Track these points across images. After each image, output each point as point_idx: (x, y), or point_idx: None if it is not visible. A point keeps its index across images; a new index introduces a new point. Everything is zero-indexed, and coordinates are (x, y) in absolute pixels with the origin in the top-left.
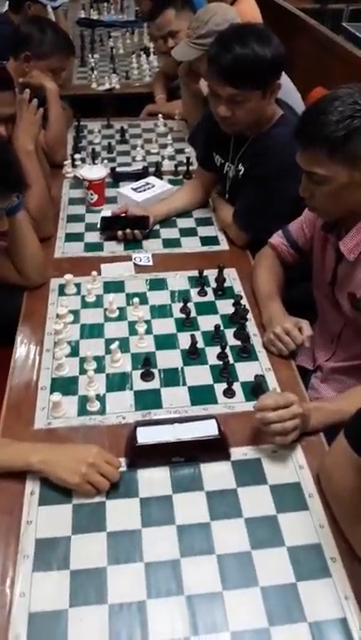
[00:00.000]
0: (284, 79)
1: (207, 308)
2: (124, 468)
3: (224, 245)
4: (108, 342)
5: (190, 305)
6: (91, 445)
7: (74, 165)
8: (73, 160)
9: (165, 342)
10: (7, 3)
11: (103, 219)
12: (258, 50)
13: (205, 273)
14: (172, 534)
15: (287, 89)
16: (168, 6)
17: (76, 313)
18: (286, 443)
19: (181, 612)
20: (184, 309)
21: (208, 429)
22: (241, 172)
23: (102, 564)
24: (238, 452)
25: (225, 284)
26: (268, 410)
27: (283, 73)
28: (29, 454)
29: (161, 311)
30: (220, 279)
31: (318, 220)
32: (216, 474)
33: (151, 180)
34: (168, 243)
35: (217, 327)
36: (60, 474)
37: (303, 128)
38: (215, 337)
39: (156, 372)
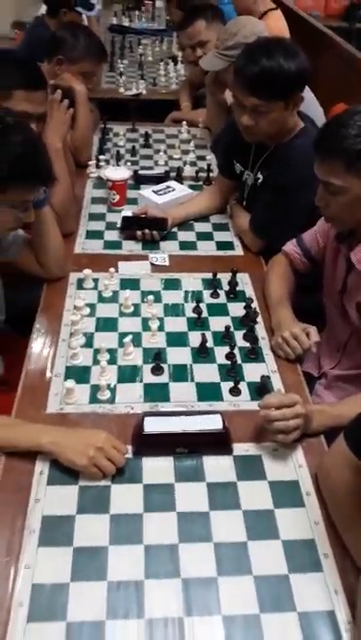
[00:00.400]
0: (308, 93)
1: (219, 310)
2: (129, 455)
3: (239, 251)
4: (122, 336)
5: (202, 305)
6: (99, 430)
7: (98, 166)
8: (97, 161)
9: (176, 339)
10: (45, 7)
11: (124, 218)
12: (283, 63)
13: (219, 276)
14: (172, 520)
15: (310, 102)
16: (199, 17)
17: (92, 306)
18: (288, 441)
19: (177, 594)
20: (196, 309)
21: (213, 423)
22: (260, 181)
23: (104, 543)
24: (241, 448)
25: (237, 288)
26: (271, 408)
27: (306, 87)
28: (41, 435)
29: (174, 310)
30: (233, 282)
31: (332, 230)
32: (218, 467)
33: (172, 183)
34: (184, 245)
35: (227, 328)
36: (69, 455)
37: (322, 140)
38: (225, 337)
39: (165, 366)
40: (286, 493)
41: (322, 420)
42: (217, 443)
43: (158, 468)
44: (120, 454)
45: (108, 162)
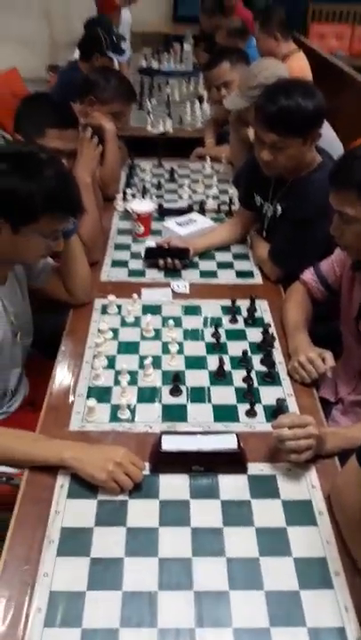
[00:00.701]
0: (326, 129)
1: (237, 335)
2: (147, 472)
3: (258, 279)
4: (143, 358)
5: (221, 330)
6: (119, 447)
7: (125, 199)
8: (124, 194)
9: (195, 363)
10: (78, 52)
11: (147, 248)
12: (301, 102)
13: (238, 303)
14: (187, 535)
15: (329, 138)
16: (224, 59)
17: (115, 331)
18: (300, 461)
19: (189, 605)
20: (215, 334)
21: (228, 443)
22: (279, 213)
23: (120, 554)
24: (255, 468)
25: (256, 314)
26: (284, 427)
27: (326, 123)
28: (63, 450)
29: (193, 334)
30: (252, 309)
31: (348, 259)
32: (232, 485)
33: (194, 215)
34: (205, 273)
35: (245, 352)
36: (90, 470)
37: (338, 171)
38: (242, 361)
39: (184, 388)
40: (299, 512)
41: (335, 441)
42: (232, 462)
43: (174, 485)
44: (138, 470)
45: (134, 195)
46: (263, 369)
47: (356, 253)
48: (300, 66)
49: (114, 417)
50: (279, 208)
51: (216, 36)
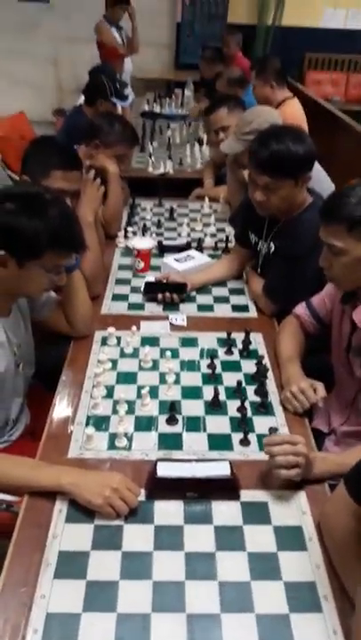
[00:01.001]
0: (318, 171)
1: (232, 366)
2: (143, 498)
3: (253, 313)
4: (140, 388)
5: (217, 362)
6: (115, 473)
7: (126, 237)
8: (126, 232)
9: (191, 393)
10: (83, 97)
11: (147, 283)
12: (291, 147)
13: (233, 335)
14: (180, 559)
15: (319, 178)
16: (222, 105)
17: (114, 361)
18: (289, 477)
19: (181, 628)
20: (211, 365)
21: (222, 470)
22: (272, 250)
23: (115, 577)
24: (248, 494)
25: (250, 347)
26: (274, 443)
27: (318, 165)
28: (61, 476)
29: (190, 365)
30: (247, 341)
31: (338, 294)
32: (225, 511)
33: (192, 252)
34: (202, 307)
35: (239, 383)
36: (86, 495)
37: (327, 206)
38: (237, 392)
39: (180, 417)
40: (290, 538)
41: (324, 467)
42: (225, 488)
43: (169, 511)
44: (133, 495)
45: (135, 233)
46: (257, 399)
47: (343, 284)
48: (292, 112)
49: (111, 445)
50: (273, 246)
51: (216, 84)
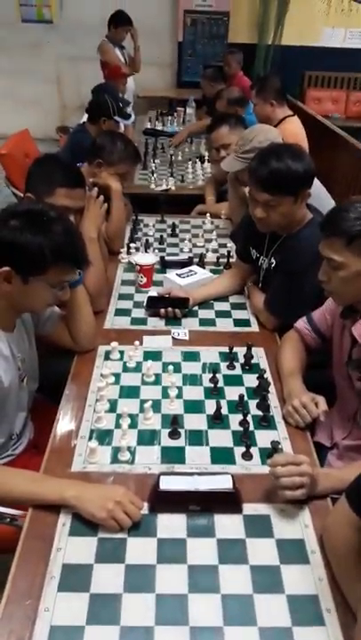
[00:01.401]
0: (318, 187)
1: (234, 380)
2: (145, 512)
3: (255, 327)
4: (143, 402)
5: (219, 376)
6: (119, 486)
7: (129, 252)
8: (128, 248)
9: (193, 406)
10: (86, 116)
11: (149, 298)
12: (291, 164)
13: (235, 350)
14: (183, 572)
15: (319, 195)
16: (223, 123)
17: (117, 375)
18: (294, 497)
19: None
20: (213, 379)
21: (224, 483)
22: (273, 265)
23: (119, 590)
24: (250, 508)
25: (252, 361)
26: (279, 465)
27: (317, 181)
28: (64, 489)
29: (192, 379)
30: (248, 355)
31: (338, 308)
32: (228, 524)
33: (194, 268)
34: (204, 322)
35: (241, 397)
36: (90, 509)
37: (327, 221)
38: (239, 405)
39: (182, 431)
40: (292, 551)
41: (327, 483)
42: (227, 502)
43: (172, 524)
44: (137, 509)
45: (137, 249)
46: (259, 413)
47: (342, 298)
48: (293, 130)
49: (114, 459)
50: (273, 261)
51: (217, 104)
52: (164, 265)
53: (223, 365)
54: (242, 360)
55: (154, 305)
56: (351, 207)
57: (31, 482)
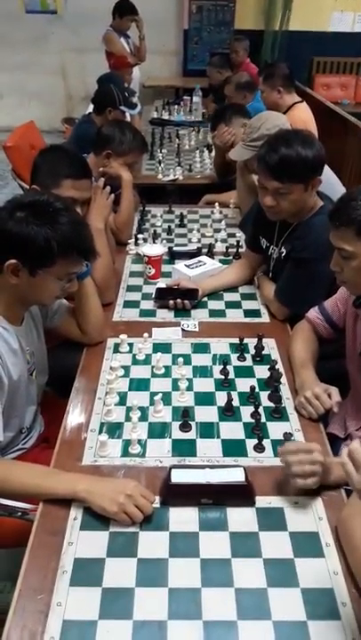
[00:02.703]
0: (329, 174)
1: (245, 372)
2: (157, 505)
3: (265, 318)
4: (153, 395)
5: (229, 367)
6: (129, 480)
7: (137, 244)
8: (136, 239)
9: (204, 399)
10: (92, 106)
11: (158, 289)
12: (301, 151)
13: (246, 341)
14: (196, 566)
15: (330, 182)
16: (219, 122)
17: (127, 368)
18: (306, 487)
19: (198, 635)
20: (223, 371)
21: (236, 476)
22: (283, 254)
23: (131, 584)
24: (263, 501)
25: (263, 352)
26: (289, 453)
27: (328, 168)
28: (76, 484)
29: (202, 371)
30: (259, 346)
31: (350, 297)
32: (241, 517)
33: (203, 258)
34: (214, 313)
35: (252, 388)
36: (101, 502)
37: (336, 211)
38: (250, 397)
39: (193, 424)
40: (306, 544)
41: (340, 472)
42: (239, 494)
43: (184, 518)
44: (148, 502)
45: (145, 240)
46: (271, 405)
47: (355, 287)
48: (301, 116)
49: (125, 452)
50: (284, 250)
51: (225, 89)
52: (173, 256)
53: (234, 357)
54: (253, 351)
55: (163, 296)
56: (360, 195)
57: (42, 476)
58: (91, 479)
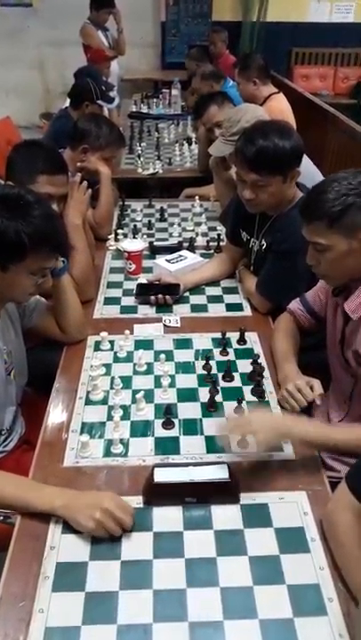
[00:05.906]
0: (308, 165)
1: (227, 366)
2: (140, 505)
3: (247, 312)
4: (135, 393)
5: (212, 363)
6: (105, 492)
7: (116, 239)
8: (116, 234)
9: (187, 395)
10: (68, 100)
11: (139, 285)
12: (278, 142)
13: (228, 335)
14: (181, 566)
15: (310, 173)
16: (211, 103)
17: (108, 366)
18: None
19: (184, 637)
20: (206, 366)
21: (220, 473)
22: (264, 247)
23: (115, 588)
24: (247, 497)
25: (246, 346)
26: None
27: (307, 159)
28: (54, 499)
29: (185, 367)
30: (242, 340)
31: (330, 287)
32: (225, 515)
33: (184, 252)
34: (196, 307)
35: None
36: (77, 519)
37: (306, 205)
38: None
39: (176, 421)
40: (292, 540)
41: (309, 427)
42: (224, 491)
43: (168, 517)
44: (127, 516)
45: (125, 235)
46: (254, 399)
47: (333, 280)
48: (278, 107)
49: (107, 452)
50: (264, 242)
51: (192, 82)
52: (153, 251)
53: (216, 352)
54: (235, 345)
55: (144, 292)
56: (328, 188)
57: (21, 489)
58: (69, 494)
